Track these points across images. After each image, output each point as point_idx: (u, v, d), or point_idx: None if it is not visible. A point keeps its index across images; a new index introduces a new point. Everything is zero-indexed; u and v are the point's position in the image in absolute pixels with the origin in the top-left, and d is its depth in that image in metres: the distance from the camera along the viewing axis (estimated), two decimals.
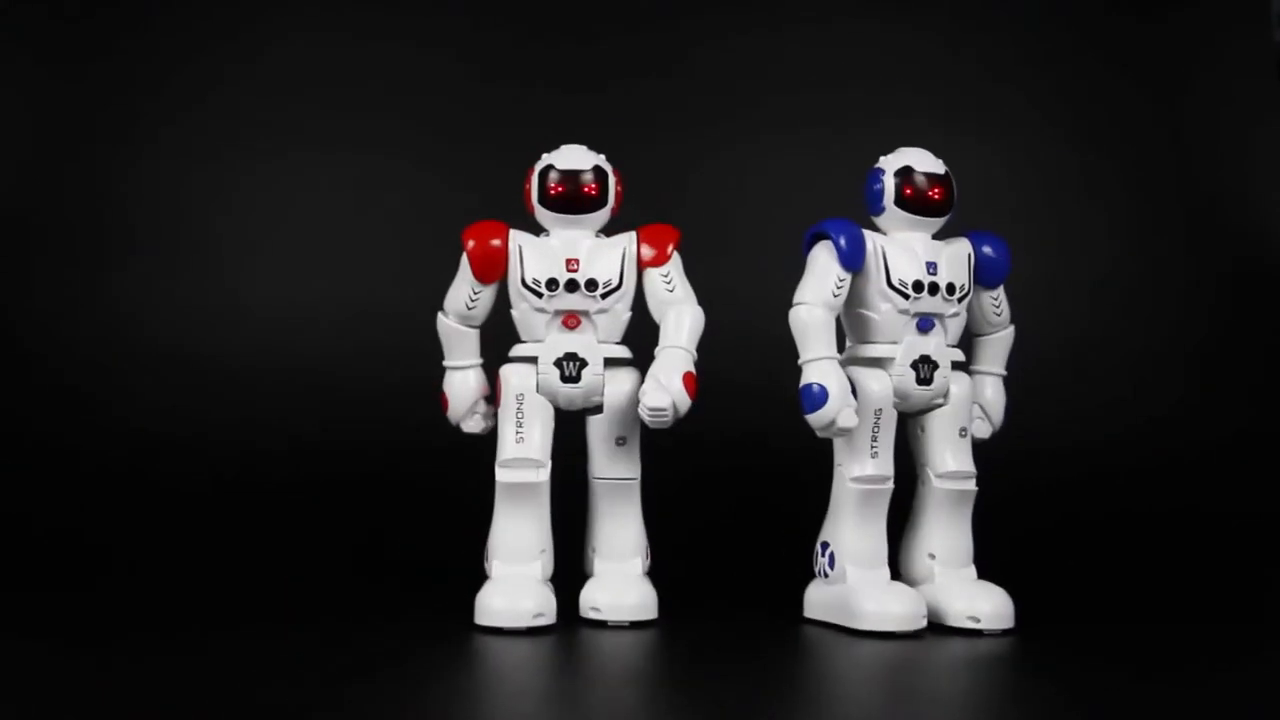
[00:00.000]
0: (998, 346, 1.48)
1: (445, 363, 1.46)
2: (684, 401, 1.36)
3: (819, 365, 1.35)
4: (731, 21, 2.17)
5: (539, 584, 1.37)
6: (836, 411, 1.33)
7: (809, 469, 1.44)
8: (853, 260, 1.37)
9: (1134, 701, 1.15)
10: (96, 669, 1.21)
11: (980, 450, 1.44)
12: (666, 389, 1.36)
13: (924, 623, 1.36)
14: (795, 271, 1.40)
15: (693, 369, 1.38)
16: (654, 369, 1.38)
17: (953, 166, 1.41)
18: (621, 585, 1.39)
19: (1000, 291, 1.46)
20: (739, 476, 1.89)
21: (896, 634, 1.34)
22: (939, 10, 2.20)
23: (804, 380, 1.35)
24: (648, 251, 1.42)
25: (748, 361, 1.79)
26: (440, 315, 1.45)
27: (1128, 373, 2.10)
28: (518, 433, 1.39)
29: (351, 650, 1.26)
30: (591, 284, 1.40)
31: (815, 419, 1.34)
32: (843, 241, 1.37)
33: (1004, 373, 1.49)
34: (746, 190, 2.10)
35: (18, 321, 2.00)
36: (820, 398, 1.33)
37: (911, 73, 2.15)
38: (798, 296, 1.38)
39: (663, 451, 1.46)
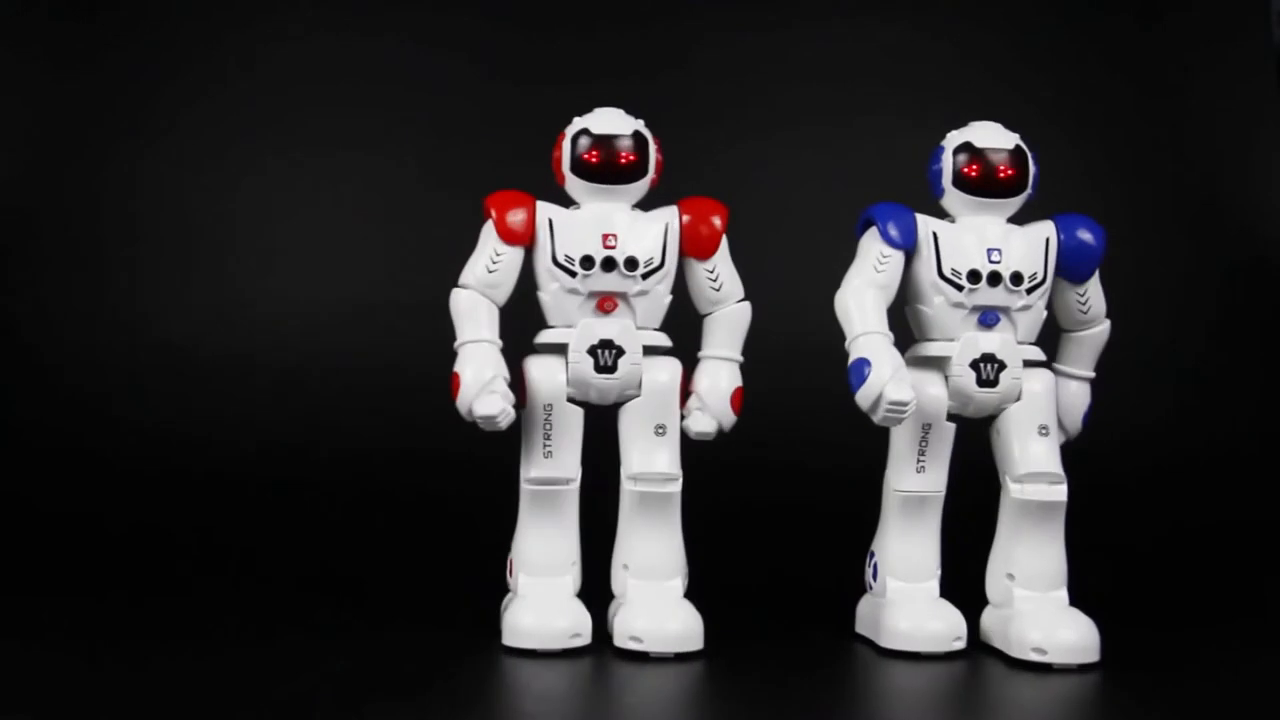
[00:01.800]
0: (1084, 346, 1.33)
1: (459, 341, 1.25)
2: (729, 422, 1.27)
3: (862, 340, 1.22)
4: (733, 19, 2.16)
5: (573, 600, 1.26)
6: (884, 382, 1.19)
7: (830, 479, 1.38)
8: (898, 237, 1.25)
9: None
10: (99, 670, 1.20)
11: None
12: (711, 412, 1.26)
13: (959, 644, 1.24)
14: (797, 271, 1.39)
15: (739, 379, 1.28)
16: (698, 386, 1.27)
17: None
18: (662, 609, 1.23)
19: (1089, 286, 1.30)
20: (776, 492, 1.84)
21: (924, 655, 1.23)
22: (939, 10, 2.20)
23: (851, 358, 1.23)
24: (692, 236, 1.27)
25: (765, 365, 1.78)
26: (456, 290, 1.27)
27: (1127, 373, 2.09)
28: (545, 446, 1.25)
29: (365, 666, 1.21)
30: (631, 263, 1.25)
31: (862, 395, 1.20)
32: (889, 225, 1.26)
33: (1090, 374, 1.34)
34: (750, 190, 2.09)
35: (20, 319, 2.00)
36: (865, 370, 1.20)
37: (912, 72, 2.15)
38: (842, 283, 1.28)
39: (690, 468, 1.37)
